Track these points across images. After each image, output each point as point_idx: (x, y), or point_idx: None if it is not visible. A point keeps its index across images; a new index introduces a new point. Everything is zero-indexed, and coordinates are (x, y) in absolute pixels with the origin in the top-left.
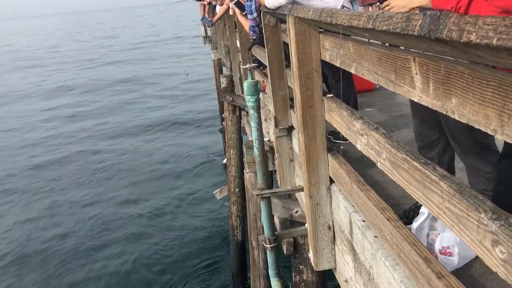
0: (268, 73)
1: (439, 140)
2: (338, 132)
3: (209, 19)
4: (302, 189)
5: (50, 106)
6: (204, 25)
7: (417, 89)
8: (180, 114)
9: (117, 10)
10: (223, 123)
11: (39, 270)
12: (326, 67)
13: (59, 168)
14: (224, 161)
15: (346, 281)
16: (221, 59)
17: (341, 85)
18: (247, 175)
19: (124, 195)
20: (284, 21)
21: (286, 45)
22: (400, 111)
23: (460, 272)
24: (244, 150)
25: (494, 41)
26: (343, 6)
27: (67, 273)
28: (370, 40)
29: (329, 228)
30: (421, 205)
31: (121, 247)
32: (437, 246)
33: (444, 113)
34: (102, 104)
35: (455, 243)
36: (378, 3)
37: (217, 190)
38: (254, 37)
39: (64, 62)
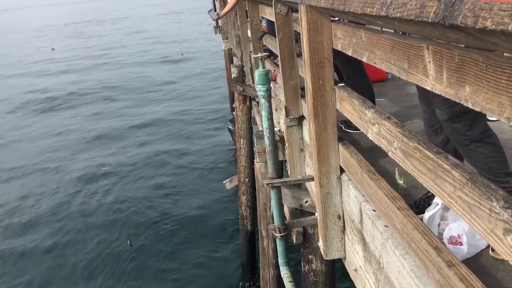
0: (279, 63)
1: (442, 128)
2: (350, 121)
3: (216, 13)
4: (312, 179)
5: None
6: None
7: (430, 77)
8: (188, 106)
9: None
10: (233, 113)
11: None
12: (341, 65)
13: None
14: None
15: (355, 270)
16: (231, 49)
17: (355, 82)
18: (257, 164)
19: (132, 182)
20: (296, 10)
21: (297, 34)
22: (412, 101)
23: (470, 262)
24: (255, 139)
25: (510, 27)
26: None
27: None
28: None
29: (339, 217)
30: (432, 196)
31: (126, 235)
32: (446, 236)
33: (457, 101)
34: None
35: (464, 232)
36: None
37: (227, 180)
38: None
39: None
